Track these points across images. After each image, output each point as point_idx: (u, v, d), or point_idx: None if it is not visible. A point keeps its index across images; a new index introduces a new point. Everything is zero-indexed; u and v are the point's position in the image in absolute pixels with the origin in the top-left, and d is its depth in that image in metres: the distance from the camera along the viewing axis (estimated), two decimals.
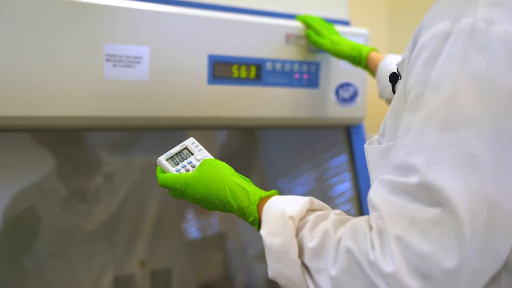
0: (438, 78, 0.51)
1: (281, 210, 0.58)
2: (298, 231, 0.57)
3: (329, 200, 1.53)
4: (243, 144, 1.64)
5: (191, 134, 1.52)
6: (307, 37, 1.13)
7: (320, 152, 1.48)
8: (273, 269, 0.57)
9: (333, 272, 0.53)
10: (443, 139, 0.50)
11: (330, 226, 0.55)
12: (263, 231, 0.58)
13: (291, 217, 0.57)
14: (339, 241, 0.53)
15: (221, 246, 1.58)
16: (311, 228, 0.56)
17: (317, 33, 1.11)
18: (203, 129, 1.41)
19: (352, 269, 0.51)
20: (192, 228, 1.59)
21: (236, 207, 0.64)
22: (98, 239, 1.29)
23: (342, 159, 1.38)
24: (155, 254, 1.37)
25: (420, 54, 0.54)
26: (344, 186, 1.38)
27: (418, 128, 0.51)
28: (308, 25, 1.13)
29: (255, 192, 0.63)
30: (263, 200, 0.62)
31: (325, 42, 1.09)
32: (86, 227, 1.28)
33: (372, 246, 0.50)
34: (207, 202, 0.67)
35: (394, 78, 0.67)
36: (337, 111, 1.21)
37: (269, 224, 0.58)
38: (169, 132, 1.44)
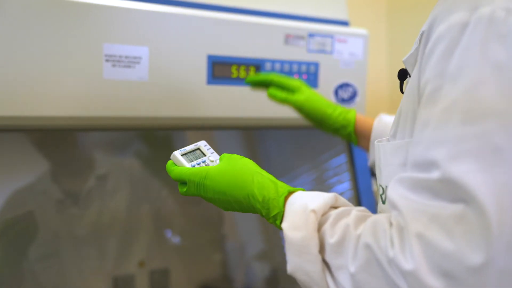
0: (457, 70, 0.50)
1: (304, 204, 0.57)
2: (320, 226, 0.56)
3: None
4: (242, 145, 1.64)
5: (190, 134, 1.52)
6: (270, 96, 0.97)
7: (319, 153, 1.48)
8: (293, 264, 0.55)
9: (352, 269, 0.51)
10: (466, 132, 0.48)
11: (351, 222, 0.54)
12: (284, 224, 0.57)
13: (314, 211, 0.56)
14: (359, 237, 0.52)
15: (220, 246, 1.58)
16: (332, 224, 0.55)
17: (284, 87, 0.95)
18: (202, 129, 1.41)
19: (371, 266, 0.50)
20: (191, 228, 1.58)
21: (260, 200, 0.61)
22: (97, 239, 1.29)
23: (341, 159, 1.38)
24: (154, 254, 1.37)
25: (436, 46, 0.52)
26: (343, 186, 1.38)
27: (438, 121, 0.50)
28: (269, 83, 0.97)
29: (284, 185, 0.62)
30: (289, 194, 0.60)
31: (299, 98, 0.93)
32: (85, 228, 1.28)
33: (392, 243, 0.49)
34: (227, 196, 0.63)
35: (403, 75, 0.64)
36: None
37: (291, 217, 0.57)
38: (168, 132, 1.44)
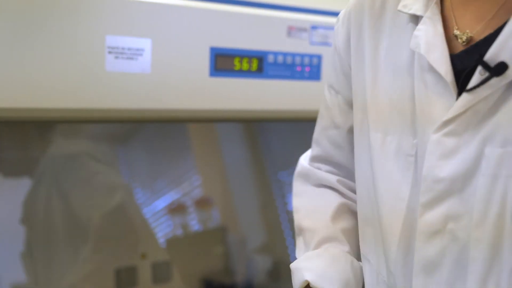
0: None
1: None
2: None
3: None
4: (244, 137, 1.64)
5: (193, 126, 1.52)
6: None
7: None
8: None
9: None
10: None
11: None
12: None
13: None
14: None
15: (221, 239, 1.58)
16: None
17: None
18: (204, 122, 1.41)
19: None
20: (193, 221, 1.59)
21: None
22: (100, 232, 1.30)
23: None
24: (156, 246, 1.38)
25: None
26: None
27: None
28: None
29: None
30: None
31: None
32: (88, 220, 1.29)
33: None
34: None
35: (503, 67, 0.48)
36: None
37: None
38: (170, 124, 1.44)
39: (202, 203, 1.54)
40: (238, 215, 1.63)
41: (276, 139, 1.59)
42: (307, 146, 1.69)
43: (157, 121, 1.10)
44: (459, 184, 0.50)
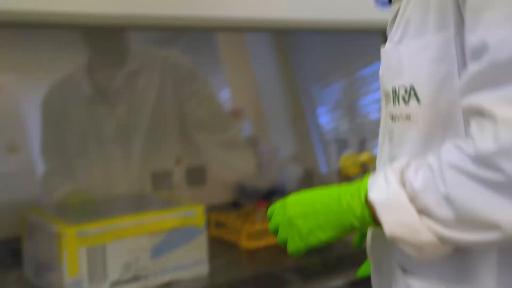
0: None
1: (383, 173, 0.58)
2: (404, 181, 0.56)
3: (358, 109, 1.52)
4: (274, 49, 1.60)
5: (222, 39, 1.49)
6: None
7: (355, 59, 1.44)
8: (388, 222, 0.55)
9: (443, 190, 0.52)
10: None
11: (431, 160, 0.54)
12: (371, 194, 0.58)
13: (391, 170, 0.57)
14: (440, 162, 0.53)
15: (253, 148, 1.61)
16: (414, 171, 0.55)
17: None
18: (234, 31, 1.38)
19: (461, 180, 0.51)
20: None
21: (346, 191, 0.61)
22: (134, 136, 1.34)
23: (378, 66, 1.34)
24: (191, 151, 1.42)
25: None
26: (377, 94, 1.36)
27: None
28: None
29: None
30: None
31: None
32: (123, 124, 1.33)
33: (473, 141, 0.50)
34: (315, 205, 0.62)
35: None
36: (375, 14, 1.16)
37: (375, 186, 0.58)
38: (199, 37, 1.42)
39: (233, 115, 1.56)
40: (269, 127, 1.65)
41: (308, 51, 1.55)
42: (339, 59, 1.64)
43: (187, 29, 1.09)
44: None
